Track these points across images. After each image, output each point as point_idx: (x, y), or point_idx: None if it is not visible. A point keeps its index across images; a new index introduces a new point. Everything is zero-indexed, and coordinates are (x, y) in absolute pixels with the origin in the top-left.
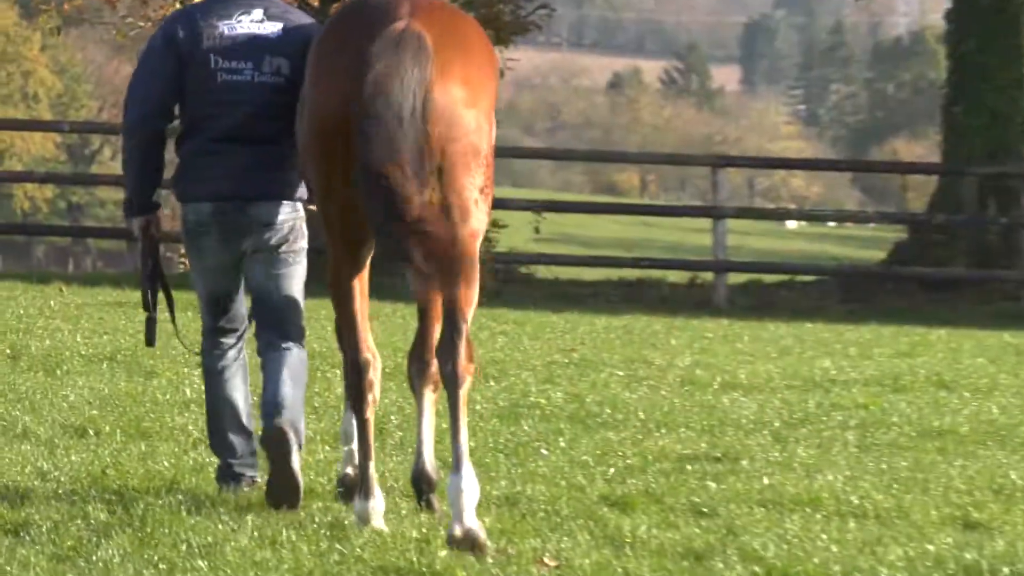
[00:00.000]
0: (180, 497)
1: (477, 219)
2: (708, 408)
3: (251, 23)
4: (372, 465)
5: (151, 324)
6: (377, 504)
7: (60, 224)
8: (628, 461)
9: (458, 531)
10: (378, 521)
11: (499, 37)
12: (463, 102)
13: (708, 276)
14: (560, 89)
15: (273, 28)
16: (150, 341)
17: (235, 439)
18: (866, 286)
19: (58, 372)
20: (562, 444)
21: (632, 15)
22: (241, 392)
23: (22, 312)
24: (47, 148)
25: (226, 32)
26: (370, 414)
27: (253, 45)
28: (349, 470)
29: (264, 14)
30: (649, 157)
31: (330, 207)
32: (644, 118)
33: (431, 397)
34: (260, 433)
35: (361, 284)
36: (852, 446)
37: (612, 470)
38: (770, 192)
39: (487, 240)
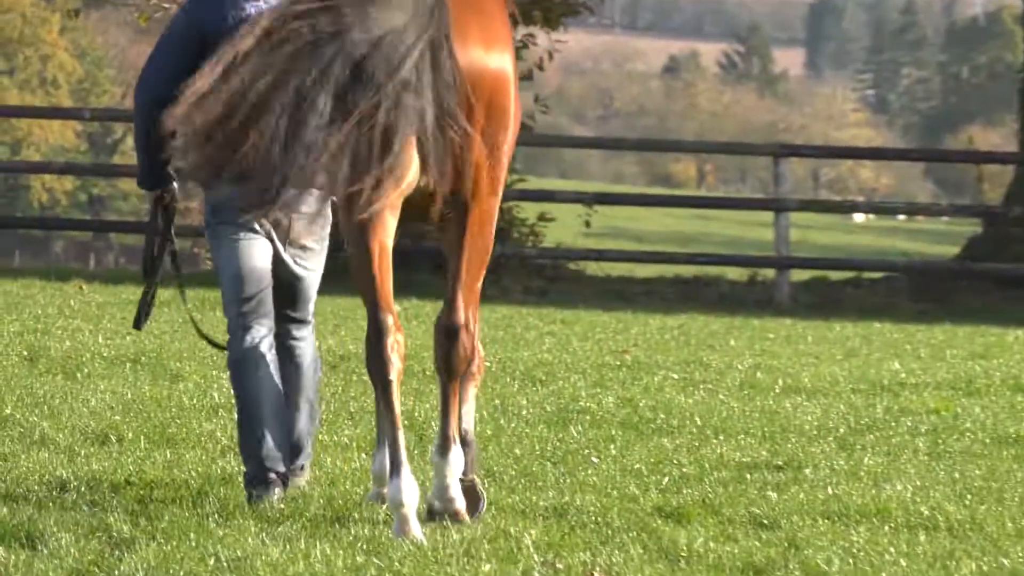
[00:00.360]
0: (207, 508)
1: (495, 193)
2: (769, 413)
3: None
4: (401, 435)
5: (145, 304)
6: (407, 484)
7: (80, 218)
8: (684, 470)
9: (438, 504)
10: (411, 503)
11: (548, 19)
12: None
13: (770, 273)
14: (612, 74)
15: None
16: (138, 323)
17: (270, 436)
18: (938, 284)
19: (78, 375)
20: (613, 452)
21: None
22: (273, 384)
23: (40, 311)
24: (67, 137)
25: (254, 13)
26: (394, 376)
27: None
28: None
29: None
30: (707, 146)
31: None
32: (702, 105)
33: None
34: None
35: (384, 244)
36: (922, 454)
37: (667, 479)
38: (836, 183)
39: (534, 235)
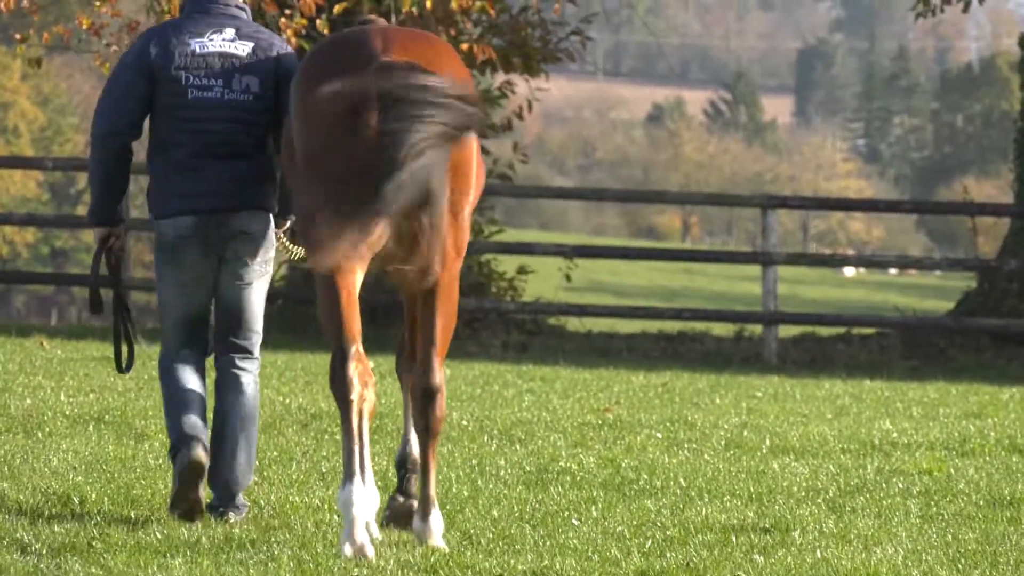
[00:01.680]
0: (174, 573)
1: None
2: (756, 474)
3: (223, 42)
4: (357, 449)
5: (118, 345)
6: (359, 492)
7: (42, 271)
8: (667, 532)
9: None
10: (360, 512)
11: (528, 65)
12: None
13: (757, 329)
14: (595, 122)
15: (244, 47)
16: (119, 367)
17: (193, 412)
18: (932, 340)
19: (39, 434)
20: (594, 514)
21: (675, 41)
22: (199, 384)
23: (0, 368)
24: (28, 187)
25: (198, 50)
26: (355, 396)
27: (223, 63)
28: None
29: (236, 33)
30: (692, 197)
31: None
32: (687, 154)
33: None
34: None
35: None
36: (915, 516)
37: (650, 542)
38: (826, 236)
39: (513, 289)
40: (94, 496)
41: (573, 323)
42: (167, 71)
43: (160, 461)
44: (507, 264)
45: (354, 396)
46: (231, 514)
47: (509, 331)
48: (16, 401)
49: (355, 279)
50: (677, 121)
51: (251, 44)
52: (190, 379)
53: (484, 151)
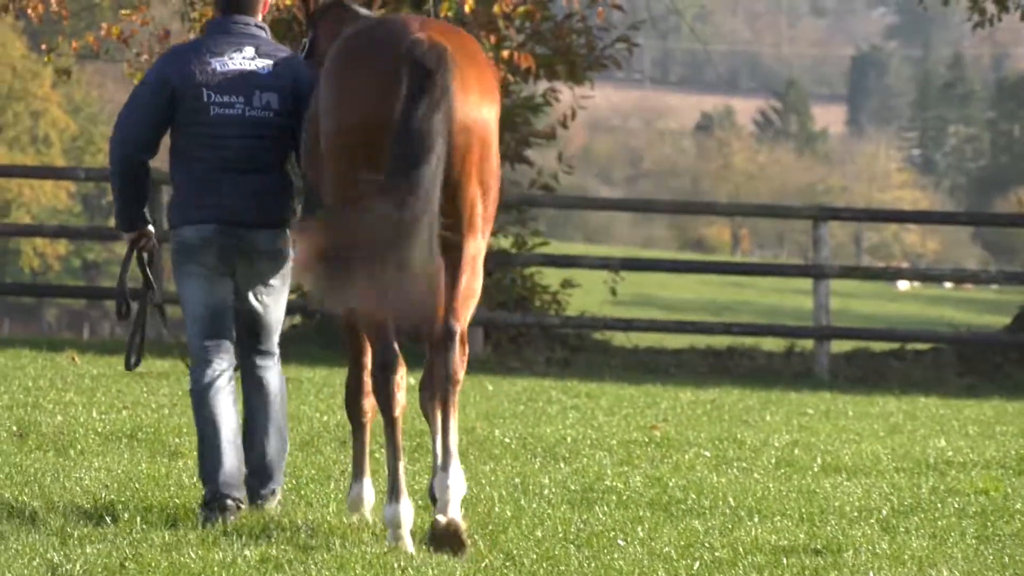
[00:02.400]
0: None
1: (485, 234)
2: (807, 494)
3: (243, 60)
4: (402, 466)
5: (133, 344)
6: (406, 509)
7: (74, 284)
8: (716, 554)
9: (442, 520)
10: (407, 525)
11: (572, 73)
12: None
13: (808, 344)
14: (642, 131)
15: (263, 65)
16: (128, 364)
17: (227, 461)
18: (988, 356)
19: (71, 452)
20: (641, 534)
21: (724, 47)
22: (232, 414)
23: (30, 384)
24: (59, 198)
25: (218, 68)
26: (399, 413)
27: (244, 81)
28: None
29: (255, 52)
30: (742, 209)
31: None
32: (737, 164)
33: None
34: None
35: None
36: (970, 537)
37: (698, 564)
38: (879, 249)
39: (557, 303)
40: (127, 515)
41: (619, 338)
42: (189, 89)
43: (195, 479)
44: (551, 277)
45: (398, 412)
46: (267, 503)
47: (553, 346)
48: (47, 418)
49: None
50: (726, 130)
51: (270, 62)
52: (220, 404)
53: (527, 161)
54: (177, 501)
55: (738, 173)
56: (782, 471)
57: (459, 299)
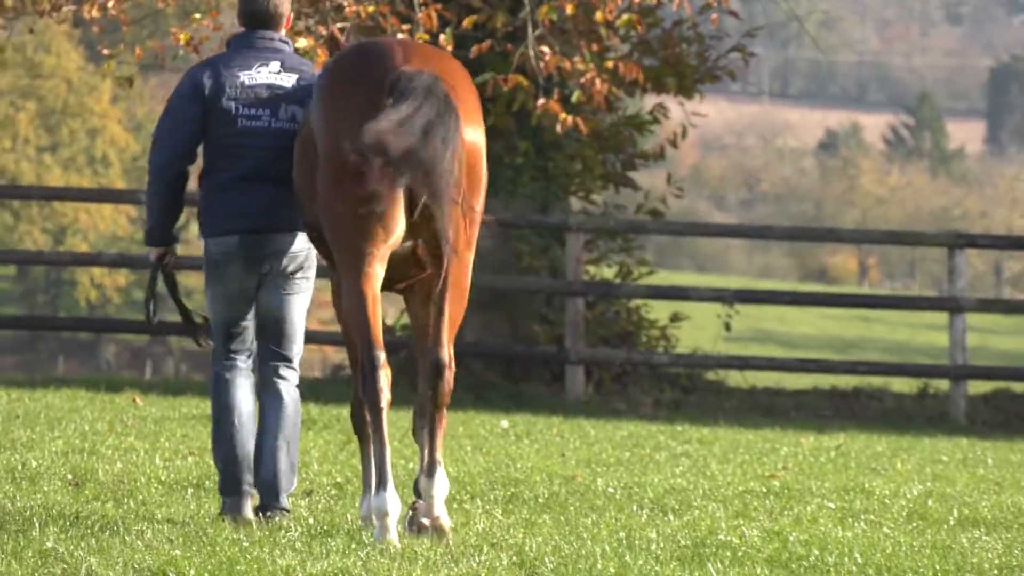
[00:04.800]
0: None
1: (467, 258)
2: (942, 549)
3: (269, 74)
4: (388, 456)
5: (149, 302)
6: (392, 498)
7: (135, 319)
8: None
9: (426, 521)
10: (395, 515)
11: (682, 86)
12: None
13: (943, 384)
14: (758, 150)
15: (288, 79)
16: (149, 319)
17: (240, 446)
18: None
19: (131, 502)
20: None
21: (850, 58)
22: (249, 402)
23: (87, 428)
24: (119, 224)
25: (246, 82)
26: (384, 404)
27: (270, 94)
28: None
29: (281, 66)
30: (869, 235)
31: (340, 227)
32: (864, 186)
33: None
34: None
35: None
36: None
37: None
38: (1022, 279)
39: (665, 339)
40: (193, 572)
41: (734, 377)
42: (219, 101)
43: (267, 532)
44: (659, 311)
45: (383, 403)
46: (276, 516)
47: (661, 386)
48: (105, 465)
49: (378, 284)
50: (853, 149)
51: (295, 76)
52: (238, 391)
53: (633, 184)
54: (248, 556)
55: (865, 196)
56: (914, 524)
57: (445, 328)
